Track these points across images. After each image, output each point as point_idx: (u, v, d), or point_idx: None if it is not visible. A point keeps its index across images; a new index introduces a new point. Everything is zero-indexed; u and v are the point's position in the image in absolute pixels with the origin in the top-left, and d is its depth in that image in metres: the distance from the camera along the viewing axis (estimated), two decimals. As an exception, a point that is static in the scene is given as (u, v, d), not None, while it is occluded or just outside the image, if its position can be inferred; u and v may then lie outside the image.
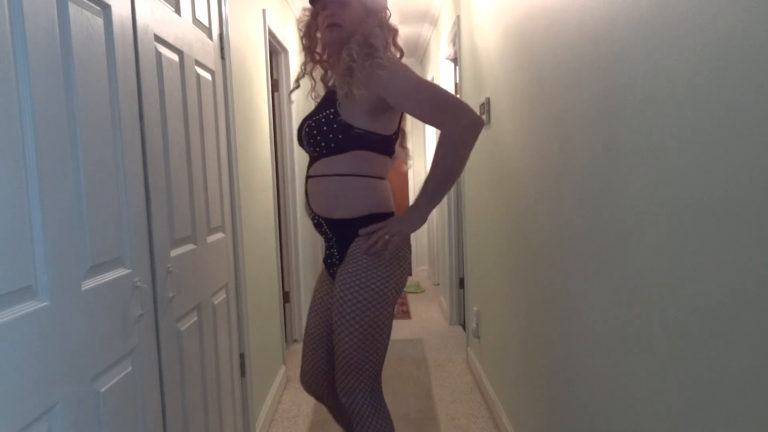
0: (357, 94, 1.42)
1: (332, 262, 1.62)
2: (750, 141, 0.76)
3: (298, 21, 1.67)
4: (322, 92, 1.67)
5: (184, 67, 1.60)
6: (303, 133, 1.57)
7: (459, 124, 1.39)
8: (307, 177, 1.59)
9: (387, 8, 1.60)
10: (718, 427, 0.86)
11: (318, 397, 1.72)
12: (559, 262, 1.57)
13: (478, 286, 2.99)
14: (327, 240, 1.62)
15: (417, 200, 1.47)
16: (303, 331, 3.76)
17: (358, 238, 1.52)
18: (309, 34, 1.64)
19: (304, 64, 1.69)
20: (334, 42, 1.54)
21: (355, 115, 1.48)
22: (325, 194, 1.54)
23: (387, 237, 1.45)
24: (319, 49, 1.66)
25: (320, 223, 1.59)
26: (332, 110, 1.49)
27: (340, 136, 1.48)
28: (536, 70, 1.71)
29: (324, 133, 1.49)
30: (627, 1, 1.08)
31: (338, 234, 1.56)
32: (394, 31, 1.58)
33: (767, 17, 0.73)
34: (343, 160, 1.50)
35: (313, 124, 1.52)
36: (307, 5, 1.64)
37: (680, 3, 0.91)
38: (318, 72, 1.70)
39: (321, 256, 1.72)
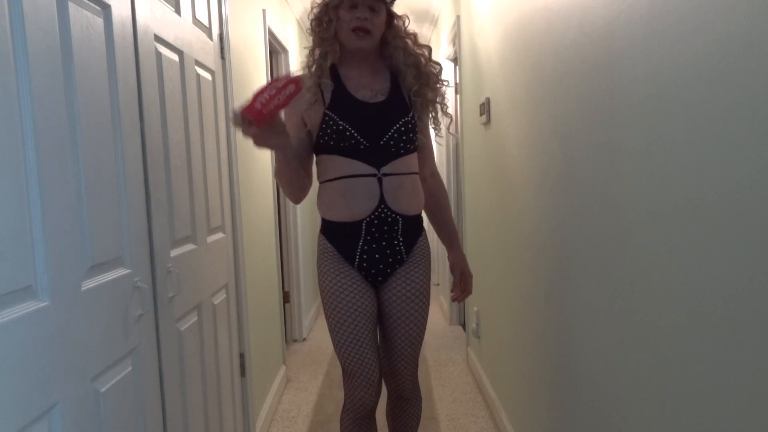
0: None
1: (381, 268, 1.57)
2: (750, 140, 0.76)
3: (311, 7, 1.55)
4: (328, 80, 1.54)
5: (184, 67, 1.60)
6: (393, 130, 1.52)
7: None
8: (383, 175, 1.52)
9: (406, 16, 1.58)
10: (719, 427, 0.87)
11: (374, 402, 1.61)
12: (559, 261, 1.57)
13: (478, 286, 2.98)
14: (383, 241, 1.55)
15: (456, 240, 1.79)
16: (303, 332, 3.81)
17: (420, 238, 1.64)
18: (322, 23, 1.53)
19: (313, 49, 1.56)
20: (363, 49, 1.51)
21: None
22: (409, 191, 1.57)
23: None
24: (328, 35, 1.53)
25: (394, 220, 1.54)
26: (412, 115, 1.58)
27: (416, 139, 1.59)
28: (536, 70, 1.71)
29: (416, 134, 1.58)
30: (627, 1, 1.09)
31: (407, 230, 1.59)
32: (414, 36, 1.61)
33: (767, 17, 0.73)
34: (412, 160, 1.60)
35: (410, 126, 1.56)
36: None
37: (680, 3, 0.91)
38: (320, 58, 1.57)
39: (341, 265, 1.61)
